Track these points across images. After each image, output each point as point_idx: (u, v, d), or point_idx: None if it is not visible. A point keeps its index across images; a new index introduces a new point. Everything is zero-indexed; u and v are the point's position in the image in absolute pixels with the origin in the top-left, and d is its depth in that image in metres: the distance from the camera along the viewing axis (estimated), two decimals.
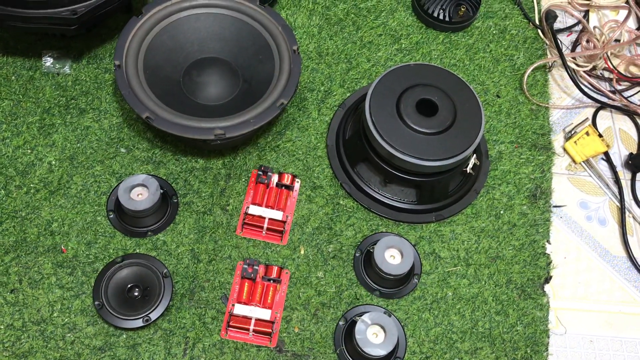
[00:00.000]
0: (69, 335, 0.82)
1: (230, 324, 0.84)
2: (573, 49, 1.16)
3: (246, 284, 0.86)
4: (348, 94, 1.04)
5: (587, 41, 1.14)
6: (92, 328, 0.82)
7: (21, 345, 0.81)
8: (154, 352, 0.82)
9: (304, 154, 0.98)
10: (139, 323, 0.81)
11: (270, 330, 0.84)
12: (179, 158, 0.95)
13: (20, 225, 0.88)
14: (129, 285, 0.83)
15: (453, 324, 0.88)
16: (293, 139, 0.99)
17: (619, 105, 1.09)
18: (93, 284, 0.84)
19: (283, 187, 0.94)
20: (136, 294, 0.83)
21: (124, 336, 0.82)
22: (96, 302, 0.81)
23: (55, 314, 0.83)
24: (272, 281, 0.87)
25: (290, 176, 0.94)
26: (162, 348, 0.82)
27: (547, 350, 0.88)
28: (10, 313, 0.82)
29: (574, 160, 1.04)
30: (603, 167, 1.05)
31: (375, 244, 0.88)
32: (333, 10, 1.11)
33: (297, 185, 0.95)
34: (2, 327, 0.81)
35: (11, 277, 0.84)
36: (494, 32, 1.14)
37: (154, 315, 0.81)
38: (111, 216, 0.89)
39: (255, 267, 0.87)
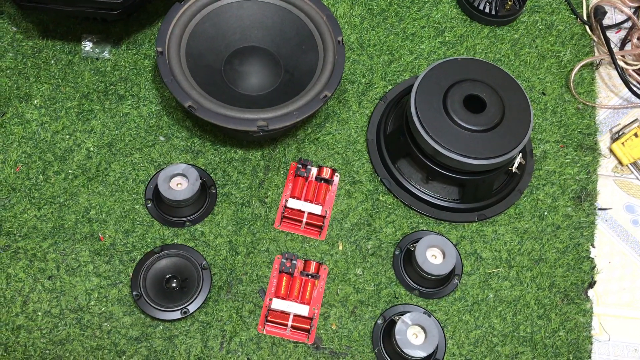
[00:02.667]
0: (105, 324, 0.81)
1: (268, 318, 0.82)
2: (622, 47, 1.12)
3: (284, 278, 0.85)
4: (389, 87, 1.02)
5: (638, 38, 1.10)
6: (129, 318, 0.82)
7: (58, 333, 0.80)
8: (191, 344, 0.81)
9: (343, 148, 0.96)
10: (177, 315, 0.80)
11: (309, 326, 0.83)
12: (218, 148, 0.93)
13: (58, 211, 0.87)
14: (168, 276, 0.83)
15: (494, 326, 0.86)
16: (333, 132, 0.97)
17: None
18: (131, 274, 0.83)
19: (322, 181, 0.92)
20: (174, 285, 0.82)
21: (161, 327, 0.82)
22: (134, 292, 0.81)
23: (92, 303, 0.82)
24: (310, 276, 0.86)
25: (329, 170, 0.92)
26: (199, 341, 0.81)
27: (590, 357, 0.86)
28: (47, 300, 0.82)
29: (620, 162, 1.01)
30: None
31: (415, 242, 0.86)
32: (376, 1, 1.08)
33: (336, 180, 0.93)
34: (39, 313, 0.81)
35: (49, 264, 0.84)
36: (541, 27, 1.10)
37: (192, 308, 0.80)
38: (149, 205, 0.88)
39: (294, 262, 0.86)
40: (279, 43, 0.94)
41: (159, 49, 0.86)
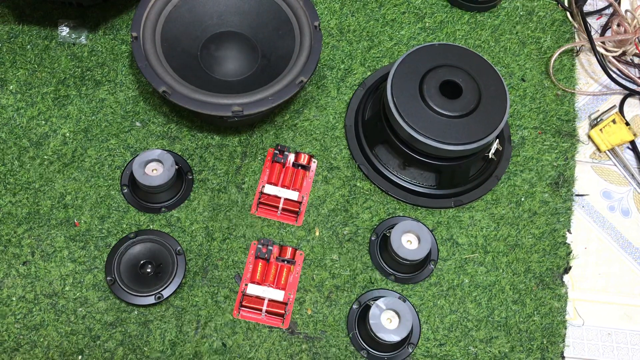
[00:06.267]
0: (80, 309, 0.81)
1: (243, 303, 0.83)
2: (602, 33, 1.12)
3: (260, 264, 0.85)
4: (369, 73, 1.01)
5: (618, 25, 1.10)
6: (104, 303, 0.82)
7: (32, 318, 0.80)
8: (166, 329, 0.81)
9: (321, 134, 0.96)
10: (151, 300, 0.80)
11: (283, 311, 0.83)
12: (195, 134, 0.93)
13: (34, 197, 0.87)
14: (142, 262, 0.83)
15: (469, 311, 0.87)
16: (311, 118, 0.97)
17: None
18: (105, 259, 0.83)
19: (299, 167, 0.92)
20: (149, 270, 0.82)
21: (135, 312, 0.82)
22: (108, 278, 0.81)
23: (67, 288, 0.82)
24: (286, 262, 0.86)
25: (307, 156, 0.92)
26: (174, 326, 0.81)
27: (564, 341, 0.87)
28: (22, 285, 0.82)
29: (598, 149, 1.02)
30: (629, 156, 1.02)
31: (391, 228, 0.87)
32: None
33: (313, 166, 0.93)
34: (14, 299, 0.81)
35: (24, 249, 0.84)
36: (521, 13, 1.10)
37: (166, 293, 0.80)
38: (125, 191, 0.88)
39: (270, 248, 0.86)
40: (255, 28, 0.94)
41: (134, 34, 0.86)
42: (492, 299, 0.88)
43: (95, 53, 0.97)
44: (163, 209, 0.87)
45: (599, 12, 1.14)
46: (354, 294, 0.86)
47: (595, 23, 1.13)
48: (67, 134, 0.91)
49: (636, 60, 1.09)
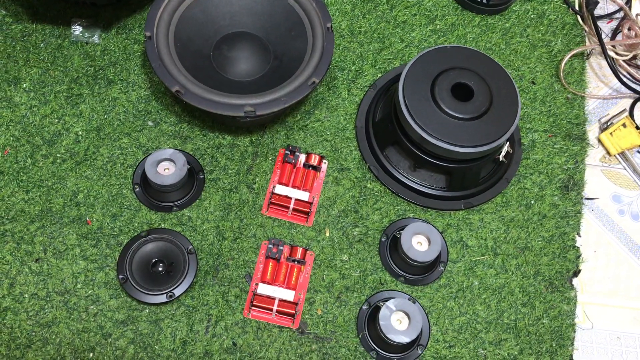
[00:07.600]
0: (92, 307, 0.82)
1: (254, 303, 0.83)
2: (613, 37, 1.12)
3: (270, 263, 0.85)
4: (379, 75, 1.02)
5: (629, 29, 1.10)
6: (115, 301, 0.82)
7: (45, 315, 0.81)
8: (176, 328, 0.82)
9: (332, 135, 0.96)
10: (163, 298, 0.81)
11: (293, 311, 0.83)
12: (207, 133, 0.93)
13: (46, 194, 0.87)
14: (154, 260, 0.83)
15: (478, 313, 0.87)
16: (322, 119, 0.97)
17: None
18: (117, 257, 0.84)
19: (310, 168, 0.92)
20: (160, 269, 0.83)
21: (147, 311, 0.82)
22: (120, 276, 0.81)
23: (79, 286, 0.83)
24: (296, 262, 0.86)
25: (317, 157, 0.93)
26: (185, 324, 0.82)
27: (573, 344, 0.87)
28: (34, 282, 0.82)
29: (608, 152, 1.02)
30: (639, 160, 1.02)
31: (402, 230, 0.87)
32: None
33: (324, 167, 0.94)
34: (26, 296, 0.82)
35: (36, 247, 0.84)
36: (532, 16, 1.10)
37: (177, 292, 0.81)
38: (137, 189, 0.89)
39: (280, 248, 0.86)
40: (268, 29, 0.94)
41: (148, 34, 0.86)
42: (502, 301, 0.88)
43: (108, 52, 0.98)
44: (174, 208, 0.88)
45: (609, 15, 1.14)
46: (363, 294, 0.86)
47: (605, 27, 1.13)
48: (80, 133, 0.92)
49: None
